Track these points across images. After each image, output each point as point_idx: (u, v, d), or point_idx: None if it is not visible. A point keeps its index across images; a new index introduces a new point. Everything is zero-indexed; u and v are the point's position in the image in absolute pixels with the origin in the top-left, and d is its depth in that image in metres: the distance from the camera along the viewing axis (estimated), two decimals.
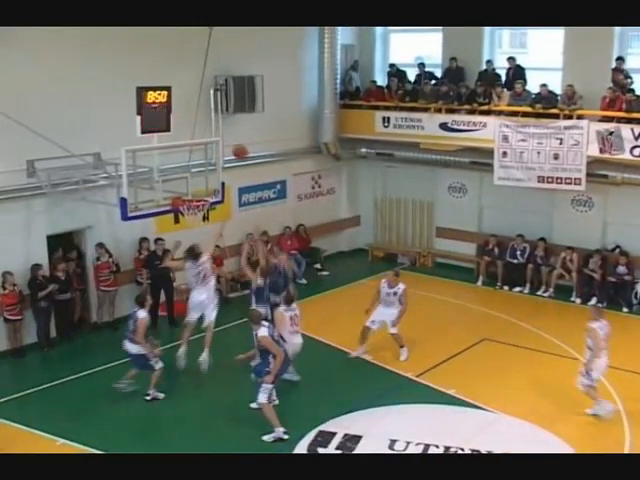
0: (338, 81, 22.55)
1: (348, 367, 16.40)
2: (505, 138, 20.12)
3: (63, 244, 18.04)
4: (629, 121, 18.65)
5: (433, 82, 22.31)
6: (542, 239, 20.93)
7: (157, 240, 18.65)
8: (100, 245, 18.12)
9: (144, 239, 18.67)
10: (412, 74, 23.25)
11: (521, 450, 12.25)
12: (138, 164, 15.56)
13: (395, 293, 16.49)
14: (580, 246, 20.48)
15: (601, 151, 18.97)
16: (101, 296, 18.42)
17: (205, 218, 16.54)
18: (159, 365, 14.75)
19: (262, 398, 13.35)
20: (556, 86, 20.41)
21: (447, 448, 12.87)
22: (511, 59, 21.12)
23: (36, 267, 16.89)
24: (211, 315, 15.77)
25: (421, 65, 23.13)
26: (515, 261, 21.12)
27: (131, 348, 14.64)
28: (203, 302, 15.78)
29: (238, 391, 14.75)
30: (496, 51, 22.59)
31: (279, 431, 13.30)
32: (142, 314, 14.52)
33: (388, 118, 22.38)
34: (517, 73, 20.91)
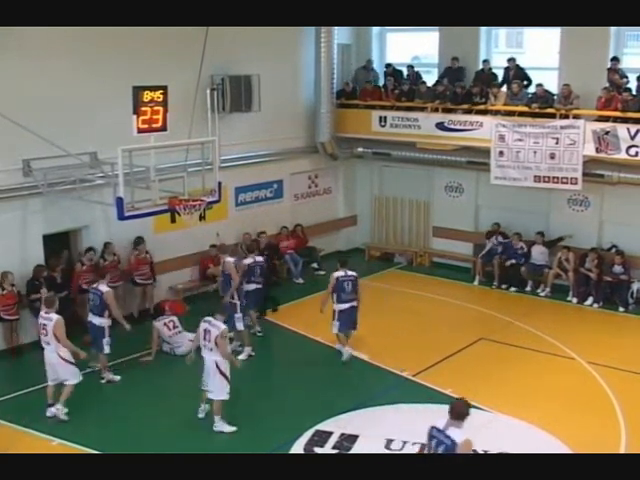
0: (335, 80, 22.54)
1: (344, 367, 16.39)
2: (501, 138, 20.13)
3: (60, 244, 18.01)
4: (625, 120, 18.65)
5: (435, 81, 22.28)
6: (540, 233, 20.92)
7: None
8: (107, 244, 18.20)
9: (140, 239, 18.69)
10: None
11: (517, 450, 12.26)
12: (134, 163, 15.54)
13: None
14: (576, 245, 20.51)
15: (597, 151, 18.97)
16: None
17: (202, 218, 16.55)
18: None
19: None
20: (552, 86, 20.43)
21: None
22: (511, 60, 21.05)
23: (39, 268, 16.87)
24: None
25: (410, 67, 23.15)
26: (514, 261, 21.11)
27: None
28: None
29: (235, 391, 14.72)
30: (492, 50, 22.61)
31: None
32: None
33: (385, 117, 22.38)
34: (518, 74, 20.86)
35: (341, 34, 22.66)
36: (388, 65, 23.60)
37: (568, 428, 13.52)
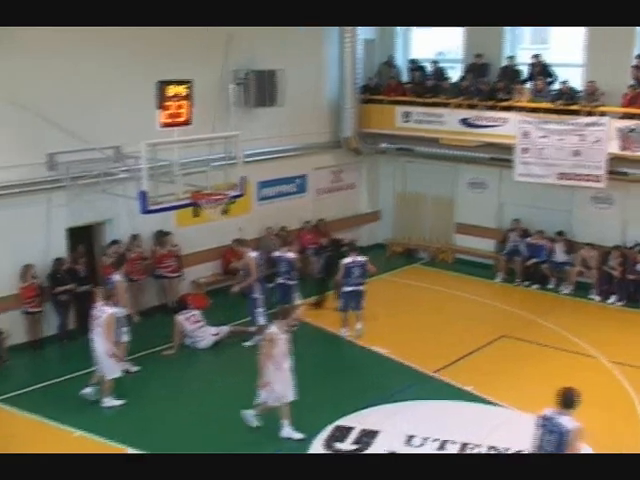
0: (359, 75, 22.52)
1: (366, 362, 16.42)
2: (526, 134, 20.05)
3: (83, 237, 18.10)
4: None
5: (460, 77, 22.18)
6: (560, 233, 20.88)
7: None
8: (135, 236, 18.35)
9: (166, 233, 18.78)
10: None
11: None
12: (158, 157, 15.61)
13: None
14: (600, 243, 20.40)
15: (622, 148, 18.88)
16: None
17: (225, 212, 16.61)
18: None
19: None
20: (577, 82, 20.32)
21: (464, 445, 12.86)
22: (536, 56, 20.90)
23: (59, 261, 17.00)
24: None
25: (434, 63, 23.07)
26: (535, 259, 21.04)
27: None
28: None
29: (249, 388, 14.78)
30: (517, 47, 22.50)
31: None
32: None
33: (409, 113, 22.36)
34: (543, 70, 20.74)
35: (365, 29, 22.64)
36: (412, 61, 23.53)
37: (589, 427, 13.36)
